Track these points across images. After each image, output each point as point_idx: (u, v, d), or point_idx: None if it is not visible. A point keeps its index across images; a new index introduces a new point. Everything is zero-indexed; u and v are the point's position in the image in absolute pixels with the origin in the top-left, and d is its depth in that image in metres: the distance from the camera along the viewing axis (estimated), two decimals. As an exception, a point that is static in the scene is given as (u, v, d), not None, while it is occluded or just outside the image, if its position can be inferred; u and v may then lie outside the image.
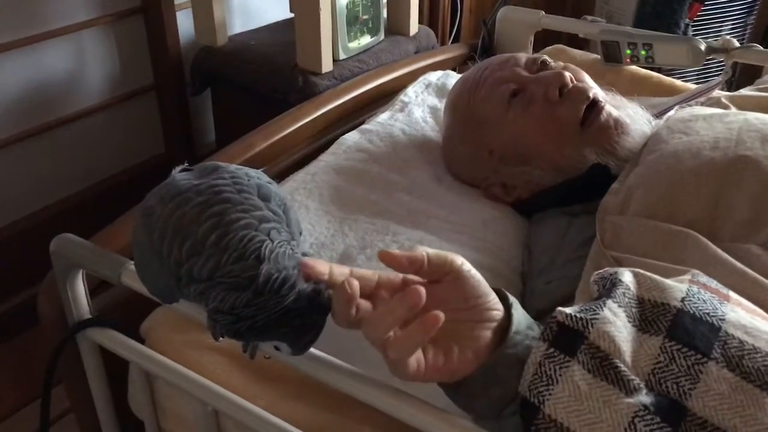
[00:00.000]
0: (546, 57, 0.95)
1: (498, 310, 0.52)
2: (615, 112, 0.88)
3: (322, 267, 0.50)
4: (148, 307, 0.75)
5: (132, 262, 0.66)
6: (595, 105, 0.88)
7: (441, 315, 0.46)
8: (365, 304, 0.50)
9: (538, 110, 0.88)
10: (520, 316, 0.53)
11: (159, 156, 1.69)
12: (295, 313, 0.48)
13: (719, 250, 0.66)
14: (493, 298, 0.52)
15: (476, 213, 0.90)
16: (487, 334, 0.51)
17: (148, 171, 1.64)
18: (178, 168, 0.57)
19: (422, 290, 0.47)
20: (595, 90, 0.90)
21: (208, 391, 0.65)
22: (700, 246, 0.67)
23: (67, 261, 0.69)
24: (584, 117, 0.87)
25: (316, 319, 0.50)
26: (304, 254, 0.52)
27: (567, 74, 0.89)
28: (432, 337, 0.47)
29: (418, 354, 0.49)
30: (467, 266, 0.51)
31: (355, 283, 0.49)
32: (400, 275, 0.52)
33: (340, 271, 0.50)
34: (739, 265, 0.64)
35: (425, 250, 0.50)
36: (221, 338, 0.51)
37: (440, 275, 0.51)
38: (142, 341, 0.73)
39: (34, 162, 1.43)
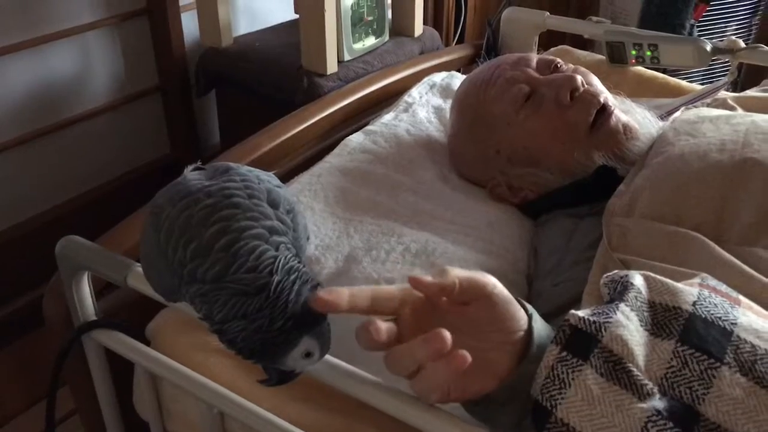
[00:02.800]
0: (558, 59, 0.95)
1: (522, 330, 0.51)
2: (624, 117, 0.88)
3: (340, 300, 0.48)
4: (154, 308, 0.75)
5: (138, 265, 0.66)
6: (605, 110, 0.88)
7: (468, 357, 0.46)
8: (389, 328, 0.49)
9: (549, 113, 0.88)
10: (540, 327, 0.52)
11: (164, 157, 1.69)
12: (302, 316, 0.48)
13: (725, 253, 0.66)
14: (520, 318, 0.51)
15: (482, 214, 0.90)
16: (510, 356, 0.50)
17: (153, 172, 1.64)
18: (190, 167, 0.57)
19: (447, 336, 0.46)
20: (606, 94, 0.90)
21: (213, 394, 0.65)
22: (706, 249, 0.67)
23: (73, 263, 0.69)
24: (594, 121, 0.87)
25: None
26: (305, 261, 0.51)
27: (578, 78, 0.89)
28: None
29: None
30: (498, 289, 0.51)
31: (381, 327, 0.48)
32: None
33: (362, 297, 0.49)
34: (746, 268, 0.63)
35: (456, 276, 0.49)
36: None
37: (470, 299, 0.50)
38: (147, 343, 0.73)
39: (39, 163, 1.43)
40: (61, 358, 0.72)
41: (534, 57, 0.96)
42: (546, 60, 0.95)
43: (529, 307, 0.53)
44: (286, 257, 0.49)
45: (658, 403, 0.45)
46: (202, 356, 0.71)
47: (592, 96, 0.88)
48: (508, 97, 0.91)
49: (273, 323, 0.47)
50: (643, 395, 0.46)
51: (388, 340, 0.49)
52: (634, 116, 0.90)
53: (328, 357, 0.55)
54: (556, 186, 0.89)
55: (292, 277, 0.48)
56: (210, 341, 0.71)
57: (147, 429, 0.78)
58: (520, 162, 0.91)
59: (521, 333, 0.51)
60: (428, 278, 0.49)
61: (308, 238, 0.55)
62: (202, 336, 0.72)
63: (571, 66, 0.95)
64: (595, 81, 0.93)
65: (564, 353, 0.48)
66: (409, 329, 0.50)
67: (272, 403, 0.65)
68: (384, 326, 0.48)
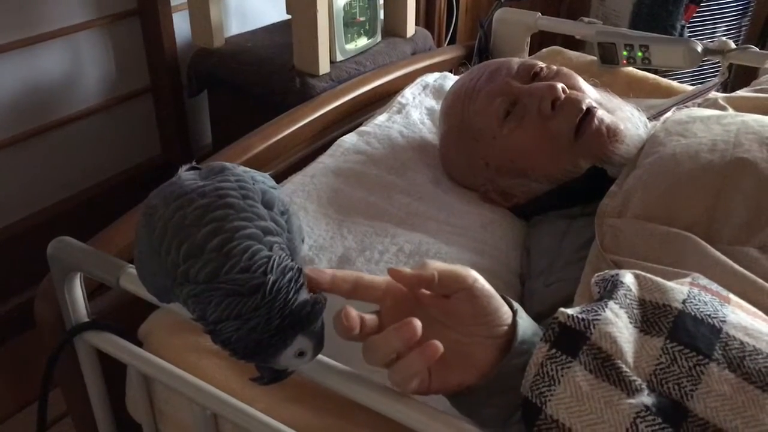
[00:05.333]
0: (539, 63, 0.94)
1: (506, 325, 0.52)
2: (608, 118, 0.87)
3: (322, 277, 0.50)
4: (146, 310, 0.74)
5: (130, 266, 0.66)
6: (587, 113, 0.86)
7: (440, 346, 0.48)
8: (369, 319, 0.50)
9: (532, 125, 0.88)
10: (525, 323, 0.53)
11: (155, 158, 1.68)
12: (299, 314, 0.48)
13: (717, 253, 0.66)
14: (504, 313, 0.52)
15: (475, 215, 0.90)
16: (492, 350, 0.51)
17: (145, 173, 1.64)
18: (185, 167, 0.57)
19: (418, 324, 0.48)
20: (589, 98, 0.88)
21: (206, 395, 0.65)
22: (699, 248, 0.67)
23: (65, 264, 0.69)
24: (577, 127, 0.86)
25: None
26: (299, 262, 0.51)
27: (559, 86, 0.88)
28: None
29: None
30: (479, 283, 0.51)
31: (352, 314, 0.49)
32: None
33: (345, 278, 0.50)
34: (737, 267, 0.64)
35: (435, 268, 0.50)
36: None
37: (451, 292, 0.51)
38: (140, 344, 0.73)
39: (30, 164, 1.43)
40: (53, 360, 0.72)
41: (515, 63, 0.95)
42: (527, 65, 0.94)
43: (514, 303, 0.54)
44: (280, 257, 0.49)
45: (646, 398, 0.46)
46: (195, 357, 0.70)
47: (574, 103, 0.87)
48: (491, 112, 0.90)
49: (269, 323, 0.47)
50: (631, 391, 0.46)
51: (369, 329, 0.50)
52: (622, 113, 0.90)
53: (321, 357, 0.55)
54: (545, 192, 0.89)
55: (288, 276, 0.48)
56: (203, 342, 0.71)
57: (140, 431, 0.77)
58: (509, 173, 0.91)
59: (504, 327, 0.52)
60: (407, 270, 0.50)
61: (303, 240, 0.55)
62: (195, 337, 0.72)
63: (554, 68, 0.93)
64: (579, 82, 0.92)
65: (553, 350, 0.49)
66: (390, 322, 0.50)
67: (266, 404, 0.65)
68: (356, 313, 0.49)
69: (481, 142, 0.92)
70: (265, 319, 0.47)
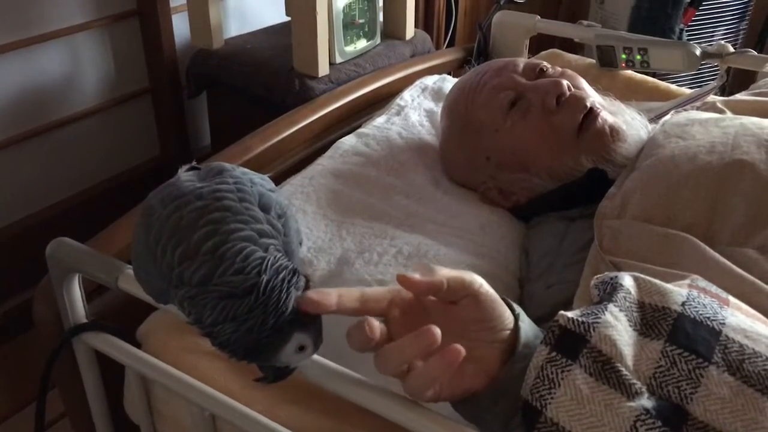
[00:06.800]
0: (544, 63, 0.95)
1: (508, 329, 0.52)
2: (611, 119, 0.88)
3: (328, 300, 0.49)
4: (144, 311, 0.74)
5: (129, 267, 0.66)
6: (591, 112, 0.88)
7: (462, 350, 0.47)
8: (382, 328, 0.50)
9: (536, 119, 0.88)
10: (527, 327, 0.53)
11: (154, 159, 1.68)
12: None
13: (716, 254, 0.66)
14: (507, 317, 0.52)
15: (474, 217, 0.90)
16: (497, 354, 0.51)
17: (144, 174, 1.64)
18: (185, 167, 0.57)
19: (437, 332, 0.47)
20: (593, 97, 0.90)
21: (205, 396, 0.65)
22: (697, 250, 0.67)
23: (64, 265, 0.69)
24: (581, 125, 0.87)
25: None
26: (296, 264, 0.51)
27: (564, 82, 0.89)
28: None
29: None
30: (485, 288, 0.51)
31: (375, 325, 0.49)
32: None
33: (350, 297, 0.49)
34: (736, 268, 0.64)
35: (443, 275, 0.50)
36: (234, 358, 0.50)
37: (457, 298, 0.51)
38: (138, 346, 0.73)
39: (28, 165, 1.42)
40: (51, 361, 0.72)
41: (521, 62, 0.96)
42: (532, 64, 0.95)
43: (516, 307, 0.54)
44: (274, 257, 0.49)
45: (646, 402, 0.46)
46: (194, 359, 0.70)
47: (578, 100, 0.88)
48: (495, 104, 0.91)
49: (266, 322, 0.47)
50: (631, 394, 0.46)
51: (379, 339, 0.49)
52: (623, 117, 0.91)
53: (320, 358, 0.56)
54: (546, 190, 0.89)
55: (282, 275, 0.48)
56: (201, 344, 0.71)
57: (138, 432, 0.77)
58: (510, 168, 0.91)
59: (507, 332, 0.52)
60: (417, 276, 0.50)
61: (301, 243, 0.54)
62: (193, 338, 0.71)
63: (558, 69, 0.95)
64: (583, 84, 0.93)
65: (553, 354, 0.49)
66: (398, 331, 0.50)
67: (264, 406, 0.65)
68: (377, 325, 0.49)
69: (483, 135, 0.92)
70: (261, 320, 0.47)
